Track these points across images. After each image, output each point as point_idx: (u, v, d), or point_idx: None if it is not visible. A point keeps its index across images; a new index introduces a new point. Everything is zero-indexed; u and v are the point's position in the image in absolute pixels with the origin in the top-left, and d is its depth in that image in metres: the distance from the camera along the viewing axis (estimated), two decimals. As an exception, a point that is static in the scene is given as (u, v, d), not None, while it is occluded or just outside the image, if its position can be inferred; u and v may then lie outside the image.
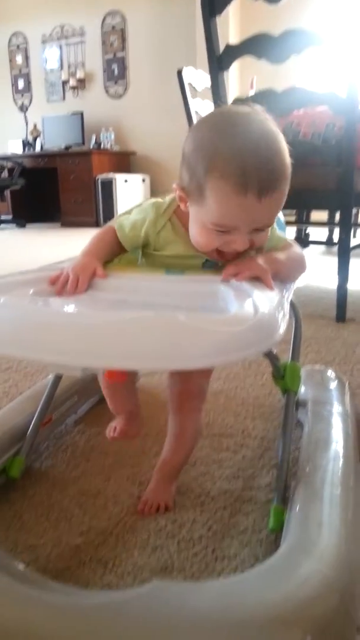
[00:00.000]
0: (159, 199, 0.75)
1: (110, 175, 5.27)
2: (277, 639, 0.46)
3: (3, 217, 5.79)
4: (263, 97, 1.82)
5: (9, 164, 5.70)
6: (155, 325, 0.51)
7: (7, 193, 5.83)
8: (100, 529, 0.75)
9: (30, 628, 0.50)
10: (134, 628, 0.47)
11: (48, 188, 5.90)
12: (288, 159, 0.64)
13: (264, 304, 0.57)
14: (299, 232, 3.16)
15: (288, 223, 3.05)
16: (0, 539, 0.73)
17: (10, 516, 0.79)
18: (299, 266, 0.75)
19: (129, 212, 0.78)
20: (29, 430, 0.89)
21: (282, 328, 0.57)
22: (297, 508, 0.64)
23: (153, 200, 0.76)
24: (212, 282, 0.66)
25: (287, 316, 0.62)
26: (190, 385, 0.80)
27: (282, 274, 0.70)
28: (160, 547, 0.70)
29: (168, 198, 0.74)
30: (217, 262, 0.72)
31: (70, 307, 0.63)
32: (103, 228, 0.77)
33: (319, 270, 2.74)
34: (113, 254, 0.76)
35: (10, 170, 5.67)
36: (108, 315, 0.58)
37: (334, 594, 0.51)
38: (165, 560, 0.68)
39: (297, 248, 0.77)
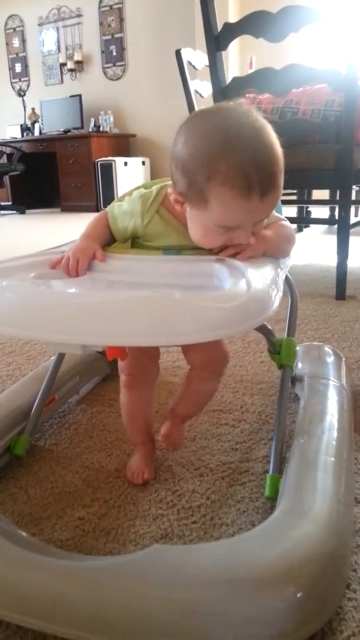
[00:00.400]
0: (146, 191, 0.75)
1: (110, 158, 5.25)
2: (271, 595, 0.49)
3: (2, 204, 5.77)
4: (262, 76, 1.81)
5: (8, 150, 5.68)
6: (151, 303, 0.53)
7: (7, 179, 5.81)
8: (103, 500, 0.78)
9: (35, 588, 0.53)
10: (135, 584, 0.50)
11: (47, 173, 5.88)
12: (280, 151, 0.65)
13: (257, 281, 0.58)
14: (300, 211, 3.16)
15: (289, 202, 3.06)
16: (7, 512, 0.76)
17: (16, 491, 0.81)
18: (287, 240, 0.75)
19: (122, 199, 0.78)
20: (33, 410, 0.92)
21: (276, 304, 0.59)
22: (292, 476, 0.66)
23: (141, 191, 0.75)
24: (208, 261, 0.68)
25: (281, 292, 0.64)
26: (218, 356, 0.81)
27: (272, 249, 0.72)
28: (161, 517, 0.73)
29: (155, 188, 0.74)
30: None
31: (69, 288, 0.65)
32: (100, 213, 0.78)
33: (319, 249, 2.75)
34: (108, 238, 0.77)
35: (9, 156, 5.65)
36: (106, 294, 0.60)
37: (326, 554, 0.54)
38: (166, 529, 0.71)
39: (285, 223, 0.78)
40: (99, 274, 0.70)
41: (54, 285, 0.64)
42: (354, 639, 0.53)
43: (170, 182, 0.70)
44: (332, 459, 0.70)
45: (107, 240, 0.77)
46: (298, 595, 0.50)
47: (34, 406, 0.92)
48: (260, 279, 0.59)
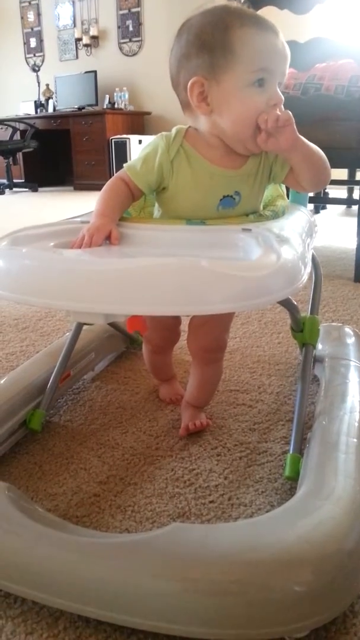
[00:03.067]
0: (165, 132, 0.74)
1: (124, 136, 5.18)
2: (291, 576, 0.47)
3: (15, 181, 5.73)
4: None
5: (21, 126, 5.62)
6: (177, 270, 0.51)
7: (20, 156, 5.76)
8: (119, 477, 0.76)
9: (53, 566, 0.51)
10: (155, 563, 0.49)
11: (61, 150, 5.81)
12: None
13: (287, 252, 0.56)
14: (317, 191, 3.09)
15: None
16: (22, 488, 0.75)
17: (31, 467, 0.80)
18: (323, 162, 0.73)
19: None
20: (49, 385, 0.91)
21: (305, 276, 0.57)
22: (314, 457, 0.65)
23: (160, 134, 0.74)
24: (233, 231, 0.65)
25: (310, 266, 0.61)
26: (210, 340, 0.82)
27: (307, 150, 0.70)
28: (178, 495, 0.72)
29: (174, 129, 0.73)
30: (233, 197, 0.71)
31: (90, 257, 0.62)
32: (111, 181, 0.74)
33: (338, 231, 2.70)
34: (124, 208, 0.74)
35: (23, 133, 5.58)
36: (128, 261, 0.57)
37: (348, 537, 0.52)
38: (183, 507, 0.69)
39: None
40: (120, 245, 0.68)
41: (75, 253, 0.62)
42: (380, 625, 0.52)
43: (182, 126, 0.72)
44: (355, 440, 0.67)
45: (124, 209, 0.74)
46: (319, 579, 0.48)
47: (50, 381, 0.91)
48: (290, 250, 0.56)
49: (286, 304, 0.77)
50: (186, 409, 0.88)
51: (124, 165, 0.74)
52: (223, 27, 0.65)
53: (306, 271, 0.58)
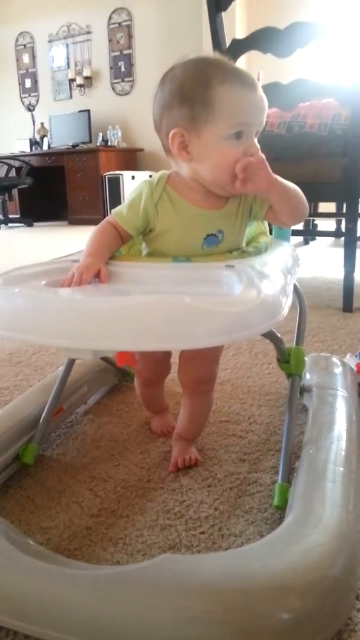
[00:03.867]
0: (147, 179, 0.78)
1: (117, 172, 5.29)
2: (280, 603, 0.48)
3: (11, 216, 5.83)
4: (269, 90, 1.81)
5: (17, 163, 5.74)
6: (161, 307, 0.53)
7: (15, 192, 5.87)
8: (111, 510, 0.77)
9: (44, 597, 0.52)
10: (144, 593, 0.50)
11: (55, 186, 5.93)
12: None
13: (267, 287, 0.59)
14: (306, 223, 3.16)
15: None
16: (14, 521, 0.76)
17: (23, 500, 0.81)
18: (297, 194, 0.75)
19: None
20: (41, 419, 0.92)
21: (285, 310, 0.59)
22: (301, 485, 0.66)
23: (143, 180, 0.78)
24: (217, 268, 0.68)
25: (290, 299, 0.64)
26: (200, 372, 0.85)
27: (280, 188, 0.72)
28: (169, 527, 0.73)
29: (156, 175, 0.77)
30: (216, 236, 0.74)
31: (80, 296, 0.65)
32: (100, 225, 0.78)
33: (326, 262, 2.75)
34: (113, 250, 0.77)
35: (18, 170, 5.71)
36: (115, 300, 0.60)
37: (336, 564, 0.53)
38: (174, 539, 0.70)
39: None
40: (109, 283, 0.71)
41: (65, 292, 0.65)
42: (366, 651, 0.52)
43: (165, 171, 0.76)
44: (342, 469, 0.69)
45: (113, 251, 0.77)
46: (308, 605, 0.49)
47: (43, 415, 0.92)
48: (270, 285, 0.59)
49: (270, 336, 0.80)
50: (177, 441, 0.89)
51: (112, 211, 0.78)
52: (205, 82, 0.68)
53: (287, 303, 0.60)
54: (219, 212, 0.75)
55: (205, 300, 0.53)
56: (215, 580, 0.51)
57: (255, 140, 0.72)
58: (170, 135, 0.71)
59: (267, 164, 0.69)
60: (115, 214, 0.77)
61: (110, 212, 0.79)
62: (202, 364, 0.84)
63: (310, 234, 3.25)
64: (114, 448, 0.95)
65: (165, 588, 0.51)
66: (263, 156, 0.70)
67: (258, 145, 0.71)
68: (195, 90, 0.69)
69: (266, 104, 0.72)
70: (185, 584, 0.51)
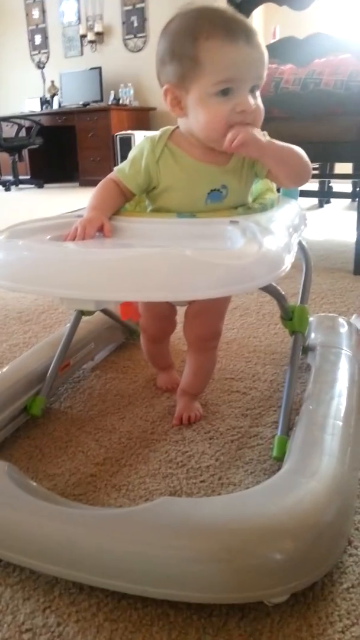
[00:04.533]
0: (149, 135, 0.77)
1: (129, 132, 5.20)
2: (274, 544, 0.51)
3: (21, 177, 5.78)
4: (285, 45, 1.78)
5: (27, 123, 5.66)
6: (163, 259, 0.54)
7: (25, 152, 5.80)
8: (115, 459, 0.80)
9: (49, 535, 0.55)
10: (143, 532, 0.52)
11: (66, 147, 5.85)
12: None
13: (269, 242, 0.59)
14: (321, 185, 3.10)
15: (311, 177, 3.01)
16: (22, 469, 0.79)
17: (31, 449, 0.84)
18: (299, 160, 0.74)
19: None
20: (49, 372, 0.94)
21: (287, 265, 0.59)
22: (299, 437, 0.68)
23: (144, 137, 0.77)
24: (221, 223, 0.68)
25: (293, 255, 0.64)
26: (205, 329, 0.86)
27: (276, 148, 0.71)
28: (170, 475, 0.75)
29: (159, 131, 0.76)
30: (220, 191, 0.74)
31: (82, 248, 0.66)
32: (102, 181, 0.78)
33: (341, 225, 2.71)
34: (117, 206, 0.77)
35: (28, 129, 5.63)
36: (119, 252, 0.60)
37: (328, 511, 0.55)
38: (175, 486, 0.73)
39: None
40: (113, 235, 0.71)
41: (69, 245, 0.65)
42: (353, 590, 0.55)
43: (169, 127, 0.75)
44: (340, 423, 0.70)
45: (116, 207, 0.77)
46: (299, 547, 0.51)
47: (50, 369, 0.94)
48: (273, 240, 0.59)
49: (273, 292, 0.80)
50: (181, 396, 0.91)
51: (114, 168, 0.78)
52: (191, 37, 0.67)
53: (289, 258, 0.61)
54: (222, 168, 0.74)
55: (206, 253, 0.54)
56: (211, 521, 0.53)
57: (252, 95, 0.69)
58: (162, 90, 0.71)
59: (257, 129, 0.68)
60: (118, 172, 0.77)
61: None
62: (207, 321, 0.85)
63: (324, 195, 3.19)
64: (119, 402, 0.98)
65: (163, 527, 0.53)
66: (259, 111, 0.69)
67: (252, 101, 0.69)
68: (183, 46, 0.67)
69: (264, 56, 0.69)
70: (183, 524, 0.53)
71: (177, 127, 0.76)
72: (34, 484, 0.67)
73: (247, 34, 0.67)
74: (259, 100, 0.71)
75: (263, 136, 0.71)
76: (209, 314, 0.84)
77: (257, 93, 0.71)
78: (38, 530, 0.56)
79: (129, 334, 1.24)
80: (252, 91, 0.69)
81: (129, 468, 0.78)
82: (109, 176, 0.78)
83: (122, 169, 0.76)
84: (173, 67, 0.69)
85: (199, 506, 0.56)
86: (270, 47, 1.81)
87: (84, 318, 1.03)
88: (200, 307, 0.83)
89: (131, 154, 0.77)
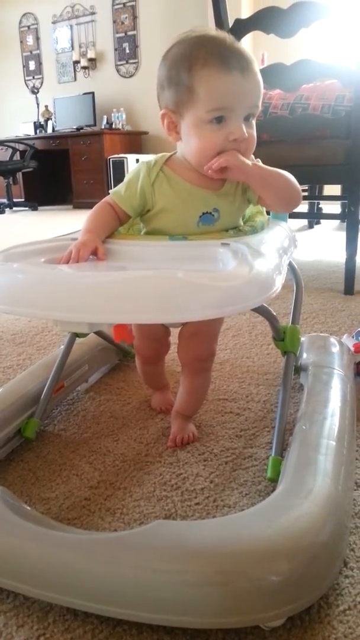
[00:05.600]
0: (146, 160, 0.79)
1: (122, 155, 5.27)
2: (268, 567, 0.50)
3: (15, 200, 5.82)
4: (272, 71, 1.82)
5: (21, 147, 5.72)
6: (155, 281, 0.55)
7: (20, 176, 5.86)
8: (109, 482, 0.79)
9: (42, 560, 0.55)
10: (137, 556, 0.52)
11: (60, 170, 5.91)
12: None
13: (260, 264, 0.60)
14: (311, 207, 3.15)
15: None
16: (16, 493, 0.78)
17: (25, 473, 0.83)
18: (287, 185, 0.75)
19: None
20: (43, 394, 0.94)
21: (277, 286, 0.60)
22: (293, 458, 0.68)
23: (141, 161, 0.79)
24: (213, 246, 0.69)
25: (284, 276, 0.65)
26: (200, 350, 0.86)
27: (265, 174, 0.73)
28: (165, 498, 0.75)
29: (155, 156, 0.78)
30: (212, 214, 0.75)
31: (77, 272, 0.67)
32: (98, 204, 0.79)
33: (331, 245, 2.75)
34: (111, 229, 0.78)
35: (22, 153, 5.69)
36: (112, 275, 0.61)
37: (323, 532, 0.55)
38: (169, 509, 0.72)
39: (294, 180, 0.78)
40: (106, 260, 0.72)
41: (63, 268, 0.66)
42: (349, 613, 0.55)
43: (166, 153, 0.77)
44: (334, 443, 0.71)
45: (110, 230, 0.78)
46: (295, 569, 0.51)
47: (44, 391, 0.94)
48: (264, 262, 0.60)
49: (265, 313, 0.81)
50: (175, 418, 0.91)
51: (110, 191, 0.79)
52: (187, 65, 0.68)
53: (279, 280, 0.61)
54: (215, 192, 0.76)
55: (198, 275, 0.55)
56: (206, 544, 0.53)
57: (247, 124, 0.71)
58: (160, 115, 0.74)
59: (235, 160, 0.69)
60: (114, 194, 0.78)
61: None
62: (201, 342, 0.86)
63: (314, 216, 3.24)
64: (113, 424, 0.97)
65: (158, 551, 0.53)
66: (252, 139, 0.71)
67: (244, 130, 0.70)
68: (179, 73, 0.69)
69: (259, 85, 0.71)
70: (177, 548, 0.53)
71: (175, 153, 0.78)
72: (28, 508, 0.66)
73: (242, 64, 0.68)
74: (254, 129, 0.73)
75: (256, 161, 0.72)
76: (203, 335, 0.85)
77: (253, 122, 0.73)
78: (31, 556, 0.55)
79: (122, 356, 1.24)
80: (247, 119, 0.71)
81: (123, 491, 0.77)
82: (105, 200, 0.79)
83: (118, 191, 0.78)
84: (170, 93, 0.71)
85: (194, 529, 0.56)
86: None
87: (78, 340, 1.04)
88: (194, 328, 0.83)
89: (127, 177, 0.78)
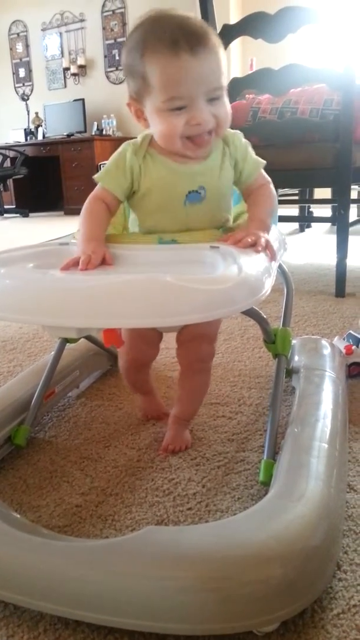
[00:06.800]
0: (131, 140, 0.77)
1: (113, 161, 5.27)
2: (261, 572, 0.50)
3: (6, 207, 5.80)
4: (261, 76, 1.83)
5: (12, 153, 5.71)
6: (143, 285, 0.54)
7: (10, 182, 5.84)
8: (100, 489, 0.79)
9: (32, 569, 0.54)
10: (128, 563, 0.51)
11: (51, 176, 5.90)
12: (208, 27, 0.68)
13: (249, 267, 0.60)
14: (301, 210, 3.16)
15: (291, 202, 3.06)
16: (6, 501, 0.77)
17: (15, 481, 0.82)
18: (275, 209, 0.79)
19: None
20: (33, 401, 0.93)
21: (267, 289, 0.60)
22: (285, 461, 0.67)
23: (125, 142, 0.77)
24: (202, 249, 0.69)
25: (273, 279, 0.65)
26: (202, 351, 0.85)
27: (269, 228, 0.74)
28: (157, 504, 0.74)
29: (139, 137, 0.77)
30: (198, 192, 0.74)
31: (65, 276, 0.66)
32: (88, 203, 0.76)
33: (322, 249, 2.75)
34: (105, 226, 0.77)
35: (13, 160, 5.68)
36: (100, 279, 0.61)
37: (316, 535, 0.55)
38: (162, 515, 0.72)
39: (271, 189, 0.79)
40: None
41: (51, 273, 0.65)
42: (343, 616, 0.54)
43: (148, 132, 0.74)
44: (326, 445, 0.70)
45: (106, 228, 0.76)
46: (288, 573, 0.51)
47: (34, 398, 0.93)
48: (253, 265, 0.60)
49: (255, 316, 0.81)
50: (173, 423, 0.89)
51: (95, 177, 0.76)
52: (140, 53, 0.66)
53: (269, 282, 0.61)
54: (201, 165, 0.74)
55: (186, 278, 0.54)
56: (198, 550, 0.52)
57: (212, 104, 0.68)
58: (126, 104, 0.73)
59: (260, 238, 0.68)
60: (102, 179, 0.76)
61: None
62: (201, 344, 0.84)
63: (305, 220, 3.25)
64: (105, 430, 0.97)
65: (149, 558, 0.52)
66: (222, 118, 0.70)
67: (206, 114, 0.67)
68: (134, 61, 0.68)
69: (216, 62, 0.67)
70: (169, 554, 0.52)
71: None
72: (18, 516, 0.66)
73: (191, 43, 0.64)
74: (223, 107, 0.70)
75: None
76: (202, 338, 0.84)
77: (222, 99, 0.70)
78: (21, 564, 0.55)
79: (114, 361, 1.23)
80: (211, 100, 0.68)
81: (115, 497, 0.76)
82: (93, 195, 0.76)
83: (106, 172, 0.76)
84: (130, 82, 0.71)
85: (185, 535, 0.55)
86: (247, 78, 1.89)
87: (69, 345, 1.03)
88: (192, 332, 0.82)
89: (112, 159, 0.76)
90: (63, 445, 0.92)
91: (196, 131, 0.69)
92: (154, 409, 0.98)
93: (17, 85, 6.56)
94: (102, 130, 5.70)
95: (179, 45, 0.64)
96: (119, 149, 0.77)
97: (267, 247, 0.68)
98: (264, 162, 0.80)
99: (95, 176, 0.76)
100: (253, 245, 0.67)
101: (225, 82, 0.70)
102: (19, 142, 6.13)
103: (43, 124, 6.16)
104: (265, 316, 0.85)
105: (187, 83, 0.65)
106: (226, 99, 0.71)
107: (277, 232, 0.85)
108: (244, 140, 0.78)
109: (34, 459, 0.88)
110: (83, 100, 5.80)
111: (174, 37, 0.64)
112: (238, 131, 0.79)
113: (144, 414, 0.99)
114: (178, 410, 0.90)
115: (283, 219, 2.04)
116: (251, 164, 0.78)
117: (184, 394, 0.89)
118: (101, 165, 5.27)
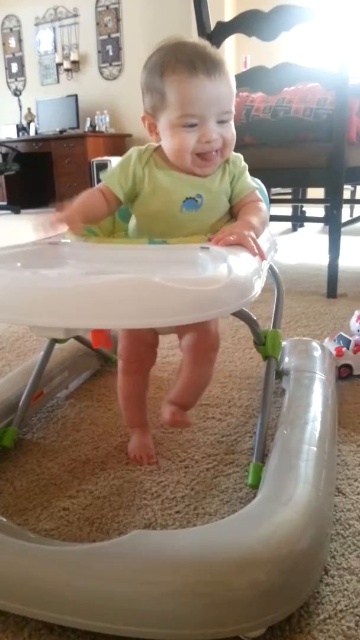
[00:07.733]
0: (137, 147, 0.81)
1: (105, 158, 5.25)
2: (248, 577, 0.50)
3: (-2, 203, 5.77)
4: (255, 74, 1.82)
5: (3, 149, 5.67)
6: (131, 286, 0.53)
7: (2, 178, 5.80)
8: (88, 492, 0.78)
9: (17, 573, 0.53)
10: (114, 567, 0.50)
11: (43, 173, 5.86)
12: (222, 55, 0.75)
13: (238, 267, 0.59)
14: (294, 210, 3.16)
15: (283, 201, 3.06)
16: (-8, 503, 0.76)
17: (1, 483, 0.81)
18: (265, 222, 0.80)
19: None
20: (21, 402, 0.92)
21: (257, 290, 0.60)
22: (274, 464, 0.67)
23: (132, 147, 0.81)
24: (192, 249, 0.68)
25: (263, 280, 0.65)
26: (208, 339, 0.81)
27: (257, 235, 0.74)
28: (145, 507, 0.74)
29: (146, 145, 0.81)
30: (195, 200, 0.76)
31: (53, 275, 0.65)
32: (90, 189, 0.81)
33: (314, 249, 2.75)
34: (97, 212, 0.79)
35: (5, 156, 5.63)
36: (87, 279, 0.60)
37: (303, 540, 0.54)
38: (149, 518, 0.71)
39: (262, 204, 0.82)
40: (84, 262, 0.71)
41: (39, 272, 0.65)
42: (330, 622, 0.54)
43: (154, 143, 0.80)
44: (314, 448, 0.70)
45: (98, 213, 0.80)
46: (275, 578, 0.50)
47: (22, 398, 0.92)
48: (242, 266, 0.59)
49: (245, 317, 0.80)
50: (167, 406, 0.82)
51: (101, 175, 0.81)
52: (160, 72, 0.73)
53: (259, 284, 0.61)
54: (200, 180, 0.77)
55: (175, 279, 0.53)
56: (185, 555, 0.52)
57: (221, 125, 0.74)
58: (140, 117, 0.78)
59: (242, 236, 0.69)
60: (106, 178, 0.80)
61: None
62: (206, 350, 0.81)
63: (297, 219, 3.25)
64: (94, 431, 0.96)
65: (136, 563, 0.52)
66: (228, 140, 0.74)
67: (216, 132, 0.73)
68: (154, 79, 0.74)
69: (229, 90, 0.74)
70: (156, 559, 0.52)
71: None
72: (4, 519, 0.65)
73: (208, 66, 0.71)
74: (230, 130, 0.76)
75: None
76: (205, 344, 0.81)
77: (229, 123, 0.75)
78: (6, 569, 0.54)
79: (104, 361, 1.22)
80: (220, 122, 0.74)
81: (103, 500, 0.76)
82: (96, 187, 0.81)
83: (111, 174, 0.79)
84: (147, 98, 0.76)
85: (172, 539, 0.55)
86: (241, 76, 1.88)
87: (58, 345, 1.02)
88: (192, 338, 0.80)
89: (119, 161, 0.80)
90: (51, 447, 0.92)
91: (206, 149, 0.74)
92: (143, 448, 0.87)
93: (9, 80, 6.51)
94: (95, 126, 5.67)
95: (197, 67, 0.71)
96: (127, 153, 0.81)
97: (255, 245, 0.68)
98: (258, 186, 0.84)
99: (101, 174, 0.81)
100: (238, 244, 0.67)
101: (234, 108, 0.76)
102: (11, 138, 6.08)
103: (35, 119, 6.12)
104: (255, 317, 0.84)
105: (202, 102, 0.71)
106: (232, 123, 0.77)
107: (267, 234, 0.85)
108: (244, 163, 0.82)
109: (21, 461, 0.87)
110: (76, 96, 5.77)
111: (193, 60, 0.71)
112: (239, 154, 0.83)
113: (131, 452, 0.87)
114: (175, 396, 0.83)
115: (275, 218, 2.04)
116: (245, 183, 0.81)
117: (184, 382, 0.82)
118: (94, 162, 5.25)
